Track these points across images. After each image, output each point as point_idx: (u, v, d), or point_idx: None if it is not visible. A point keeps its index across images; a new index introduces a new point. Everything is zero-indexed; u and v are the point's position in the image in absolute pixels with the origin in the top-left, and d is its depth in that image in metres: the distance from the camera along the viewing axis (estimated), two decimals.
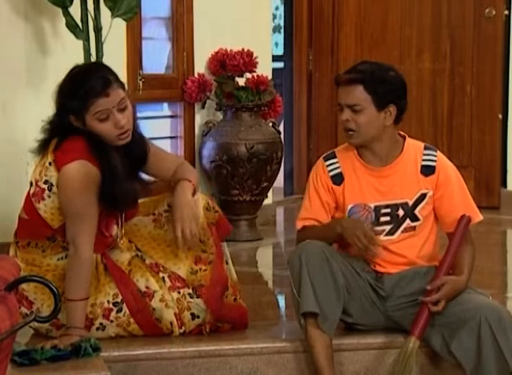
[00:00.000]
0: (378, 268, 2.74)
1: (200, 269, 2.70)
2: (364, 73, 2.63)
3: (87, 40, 3.42)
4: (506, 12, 4.88)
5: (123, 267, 2.69)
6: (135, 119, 2.67)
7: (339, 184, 2.73)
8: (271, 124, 4.36)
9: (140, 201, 2.75)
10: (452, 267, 2.69)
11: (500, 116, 4.95)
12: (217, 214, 2.76)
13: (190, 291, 2.69)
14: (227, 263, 2.77)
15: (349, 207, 2.72)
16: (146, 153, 2.70)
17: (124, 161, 2.63)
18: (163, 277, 2.69)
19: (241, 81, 4.31)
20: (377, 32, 5.08)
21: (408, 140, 2.75)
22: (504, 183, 5.02)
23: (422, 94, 5.04)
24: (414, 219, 2.72)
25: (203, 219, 2.71)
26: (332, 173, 2.74)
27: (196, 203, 2.69)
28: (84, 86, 2.55)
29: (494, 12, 4.85)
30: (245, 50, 4.28)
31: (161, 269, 2.71)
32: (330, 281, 2.59)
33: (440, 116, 5.04)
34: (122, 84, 2.62)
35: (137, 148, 2.67)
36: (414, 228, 2.72)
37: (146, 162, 2.71)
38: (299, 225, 2.77)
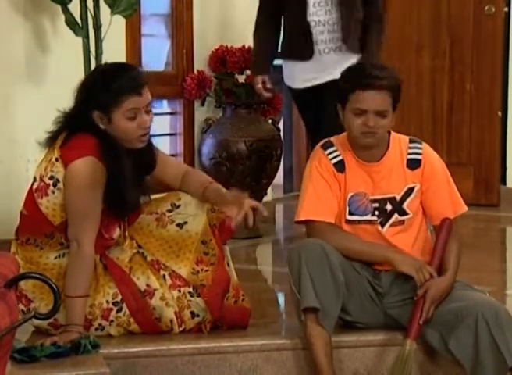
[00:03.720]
0: (375, 265, 2.74)
1: (202, 270, 2.70)
2: (389, 79, 2.65)
3: (86, 37, 3.42)
4: (506, 9, 4.88)
5: (123, 265, 2.69)
6: None
7: (342, 171, 2.72)
8: (270, 121, 4.37)
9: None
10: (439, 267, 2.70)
11: (500, 114, 4.96)
12: (221, 215, 2.75)
13: (191, 289, 2.69)
14: (228, 265, 2.77)
15: (349, 195, 2.71)
16: (154, 161, 2.71)
17: (132, 166, 2.63)
18: (164, 275, 2.69)
19: (241, 78, 4.31)
20: None
21: (393, 134, 2.76)
22: (503, 181, 5.03)
23: (422, 92, 5.04)
24: (403, 213, 2.73)
25: (206, 221, 2.72)
26: (334, 161, 2.73)
27: None
28: (119, 81, 2.55)
29: (493, 9, 4.85)
30: (245, 47, 4.28)
31: (162, 266, 2.71)
32: (329, 278, 2.59)
33: (439, 114, 5.05)
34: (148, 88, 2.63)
35: (147, 155, 2.68)
36: (402, 222, 2.73)
37: (153, 169, 2.72)
38: (303, 216, 2.71)
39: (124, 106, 2.54)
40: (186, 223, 2.73)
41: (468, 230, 4.23)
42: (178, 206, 2.75)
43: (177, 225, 2.74)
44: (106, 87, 2.55)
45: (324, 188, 2.71)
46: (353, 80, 2.67)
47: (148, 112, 2.59)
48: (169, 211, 2.75)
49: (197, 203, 2.74)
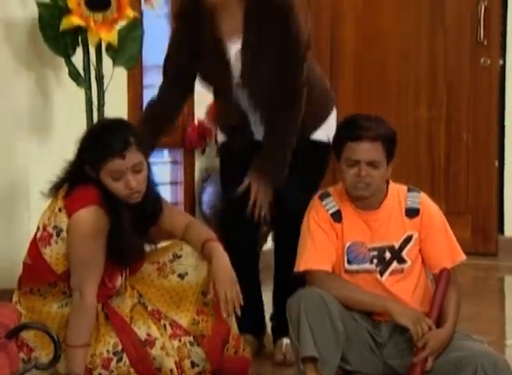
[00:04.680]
0: (375, 316, 2.76)
1: (202, 320, 2.73)
2: (381, 129, 2.70)
3: (88, 88, 3.46)
4: (501, 61, 4.96)
5: (124, 314, 2.71)
6: (152, 181, 2.70)
7: (339, 221, 2.76)
8: None
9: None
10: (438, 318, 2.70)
11: (496, 163, 4.99)
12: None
13: (191, 339, 2.71)
14: (228, 315, 2.77)
15: (347, 244, 2.75)
16: (157, 214, 2.73)
17: (135, 216, 2.66)
18: (164, 325, 2.71)
19: None
20: (375, 79, 5.15)
21: (391, 184, 2.81)
22: (501, 230, 5.04)
23: (419, 141, 5.09)
24: (402, 261, 2.76)
25: (206, 272, 2.74)
26: (331, 211, 2.77)
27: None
28: (104, 142, 2.60)
29: (489, 62, 4.92)
30: None
31: (163, 316, 2.73)
32: (329, 327, 2.60)
33: (437, 163, 5.09)
34: (142, 147, 2.63)
35: (148, 209, 2.70)
36: (401, 271, 2.75)
37: (155, 222, 2.74)
38: (303, 267, 2.74)
39: (108, 167, 2.60)
40: (187, 273, 2.76)
41: (467, 279, 4.24)
42: (180, 256, 2.78)
43: (178, 275, 2.76)
44: (94, 145, 2.62)
45: (322, 238, 2.75)
46: (345, 132, 2.73)
47: (137, 171, 2.62)
48: (171, 261, 2.78)
49: (198, 254, 2.76)
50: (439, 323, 2.69)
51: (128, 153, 2.60)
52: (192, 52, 2.93)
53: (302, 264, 2.75)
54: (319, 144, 3.05)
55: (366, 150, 2.68)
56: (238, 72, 2.91)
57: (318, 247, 2.74)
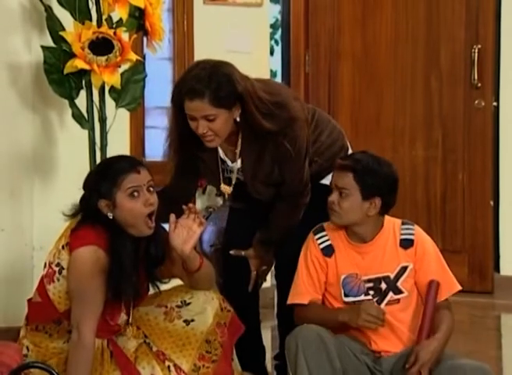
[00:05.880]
0: (374, 346, 2.79)
1: (203, 366, 2.74)
2: (358, 162, 2.77)
3: (92, 129, 3.51)
4: (495, 103, 5.04)
5: (129, 354, 2.72)
6: (160, 226, 2.75)
7: (330, 256, 2.83)
8: None
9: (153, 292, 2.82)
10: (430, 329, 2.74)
11: (492, 203, 5.05)
12: (229, 313, 2.81)
13: None
14: (233, 360, 2.81)
15: (342, 277, 2.81)
16: (164, 253, 2.75)
17: (141, 256, 2.69)
18: (168, 366, 2.73)
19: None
20: (371, 121, 5.23)
21: (387, 217, 2.87)
22: (497, 268, 5.08)
23: (416, 181, 5.14)
24: (398, 292, 2.80)
25: (212, 321, 2.77)
26: (322, 246, 2.84)
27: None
28: (114, 166, 2.67)
29: (483, 104, 5.00)
30: None
31: (167, 358, 2.74)
32: (327, 365, 2.64)
33: (433, 202, 5.13)
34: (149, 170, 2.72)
35: (156, 246, 2.72)
36: (398, 301, 2.79)
37: (163, 261, 2.76)
38: (290, 300, 2.85)
39: (124, 185, 2.63)
40: (193, 320, 2.78)
41: (464, 317, 4.27)
42: (188, 304, 2.80)
43: (184, 321, 2.79)
44: (104, 174, 2.67)
45: (303, 272, 2.84)
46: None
47: (151, 191, 2.67)
48: (179, 306, 2.80)
49: (205, 299, 2.79)
50: (430, 335, 2.72)
51: (141, 169, 2.66)
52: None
53: (290, 299, 2.86)
54: (324, 187, 3.06)
55: (336, 176, 2.80)
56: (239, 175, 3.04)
57: (300, 281, 2.83)
